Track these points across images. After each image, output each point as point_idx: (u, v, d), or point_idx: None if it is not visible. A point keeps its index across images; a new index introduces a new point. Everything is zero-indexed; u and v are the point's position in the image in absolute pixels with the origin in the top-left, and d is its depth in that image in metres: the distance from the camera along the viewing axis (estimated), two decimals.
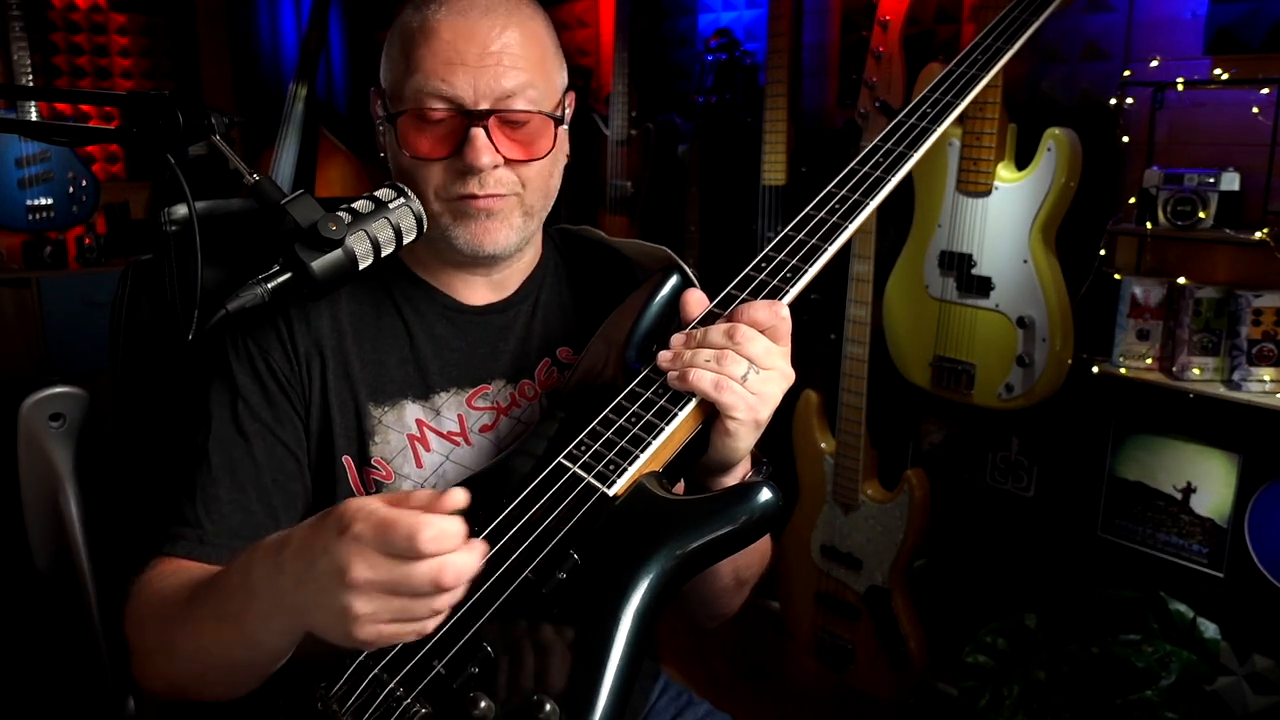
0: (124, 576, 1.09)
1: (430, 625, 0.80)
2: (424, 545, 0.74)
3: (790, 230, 1.06)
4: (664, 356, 0.99)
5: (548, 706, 0.86)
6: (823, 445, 2.35)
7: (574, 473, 0.96)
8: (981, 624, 2.05)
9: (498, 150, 1.06)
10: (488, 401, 1.17)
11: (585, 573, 0.92)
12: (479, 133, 1.05)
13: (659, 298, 1.08)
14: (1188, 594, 1.94)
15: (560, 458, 0.97)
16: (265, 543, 0.87)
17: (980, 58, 1.19)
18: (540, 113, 1.09)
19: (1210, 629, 1.88)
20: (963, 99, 1.15)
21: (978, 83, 1.17)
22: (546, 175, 1.13)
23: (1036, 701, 1.90)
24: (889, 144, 1.12)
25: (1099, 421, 2.12)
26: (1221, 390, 1.83)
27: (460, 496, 0.79)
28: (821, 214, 1.06)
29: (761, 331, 0.97)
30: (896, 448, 2.48)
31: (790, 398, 2.52)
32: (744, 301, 1.01)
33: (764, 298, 1.01)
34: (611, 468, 0.95)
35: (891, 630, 2.25)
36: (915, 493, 2.19)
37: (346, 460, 1.12)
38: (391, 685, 0.90)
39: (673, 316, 1.08)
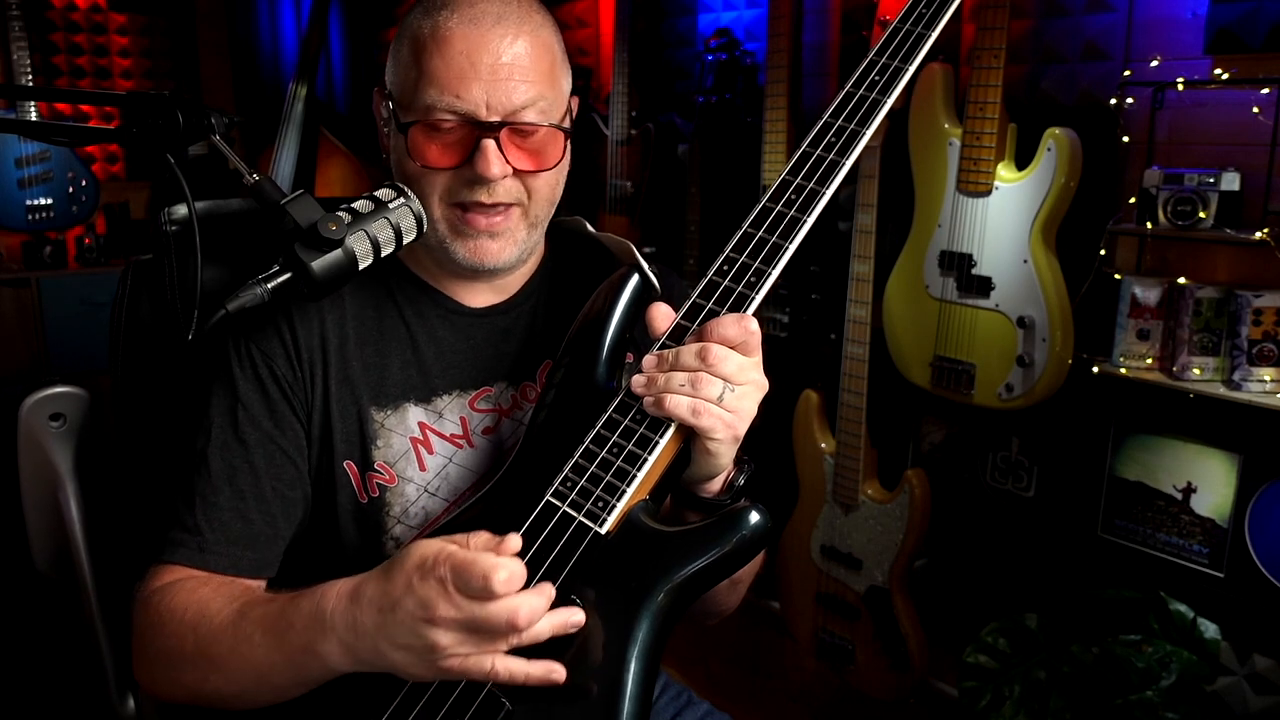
0: (125, 577, 1.09)
1: (503, 670, 0.86)
2: (497, 587, 0.82)
3: (749, 228, 1.03)
4: (638, 381, 0.97)
5: None
6: (823, 445, 2.35)
7: (564, 512, 0.95)
8: (982, 624, 2.05)
9: (507, 161, 1.06)
10: (490, 404, 1.17)
11: (589, 616, 0.92)
12: (490, 144, 1.05)
13: (620, 305, 1.07)
14: (1188, 594, 1.94)
15: (548, 495, 0.97)
16: (337, 589, 0.91)
17: (924, 12, 1.13)
18: (550, 125, 1.09)
19: (1210, 629, 1.88)
20: (910, 63, 1.09)
21: (925, 41, 1.10)
22: (553, 185, 1.13)
23: (1037, 701, 1.90)
24: (839, 121, 1.07)
25: (1099, 421, 2.12)
26: (1222, 390, 1.83)
27: (516, 542, 0.87)
28: (778, 208, 1.03)
29: (733, 348, 0.96)
30: (896, 448, 2.49)
31: (790, 398, 2.53)
32: (710, 313, 0.99)
33: (730, 306, 0.99)
34: (600, 504, 0.95)
35: (891, 630, 2.25)
36: (915, 493, 2.19)
37: (349, 465, 1.12)
38: None
39: (636, 321, 1.07)
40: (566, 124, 1.13)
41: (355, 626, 0.87)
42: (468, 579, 0.82)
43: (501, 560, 0.83)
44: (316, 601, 0.90)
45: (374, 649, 0.87)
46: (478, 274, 1.14)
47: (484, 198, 1.07)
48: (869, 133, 1.06)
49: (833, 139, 1.06)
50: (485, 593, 0.82)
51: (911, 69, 1.09)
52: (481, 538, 0.86)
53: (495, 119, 1.05)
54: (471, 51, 1.05)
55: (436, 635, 0.83)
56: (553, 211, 1.16)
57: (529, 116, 1.07)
